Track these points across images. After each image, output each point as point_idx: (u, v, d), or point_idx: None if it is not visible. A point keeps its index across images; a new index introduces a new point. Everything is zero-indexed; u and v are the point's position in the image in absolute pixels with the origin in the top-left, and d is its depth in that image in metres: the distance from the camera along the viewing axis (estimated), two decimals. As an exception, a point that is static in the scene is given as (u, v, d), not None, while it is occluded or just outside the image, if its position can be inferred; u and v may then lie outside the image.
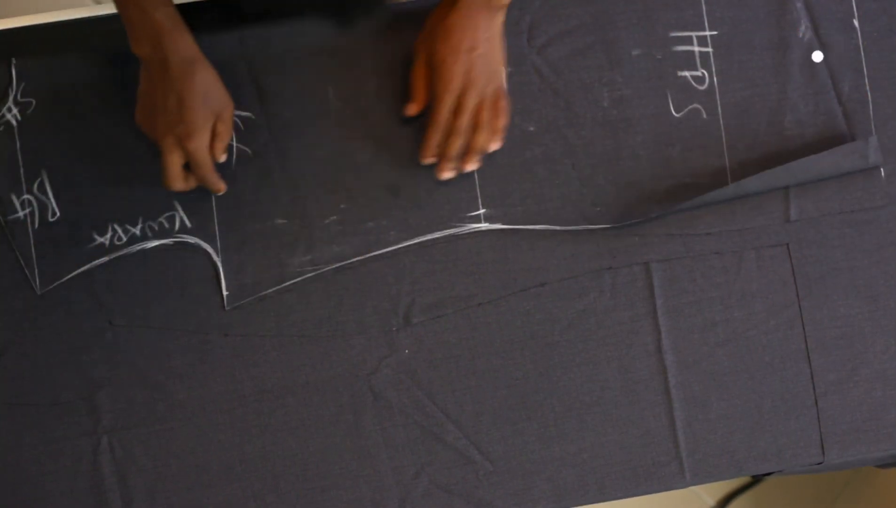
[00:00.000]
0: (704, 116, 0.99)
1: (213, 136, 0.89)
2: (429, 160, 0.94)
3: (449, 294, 0.96)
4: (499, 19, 0.91)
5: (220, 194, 0.93)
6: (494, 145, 0.94)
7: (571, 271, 0.97)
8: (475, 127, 0.92)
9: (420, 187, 0.97)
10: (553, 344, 0.96)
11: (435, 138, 0.93)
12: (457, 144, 0.92)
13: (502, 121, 0.93)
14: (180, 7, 0.98)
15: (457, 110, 0.91)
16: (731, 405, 0.96)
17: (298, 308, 0.96)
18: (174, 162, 0.88)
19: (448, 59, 0.89)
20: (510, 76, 0.98)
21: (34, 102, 0.96)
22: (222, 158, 0.91)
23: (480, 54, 0.90)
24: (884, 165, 0.98)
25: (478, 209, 0.97)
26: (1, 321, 0.94)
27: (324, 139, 0.97)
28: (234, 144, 0.96)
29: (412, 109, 0.93)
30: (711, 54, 0.99)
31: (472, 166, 0.94)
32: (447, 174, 0.94)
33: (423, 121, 0.95)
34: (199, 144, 0.87)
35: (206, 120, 0.87)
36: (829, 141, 0.98)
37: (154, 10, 0.84)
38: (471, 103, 0.91)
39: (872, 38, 1.00)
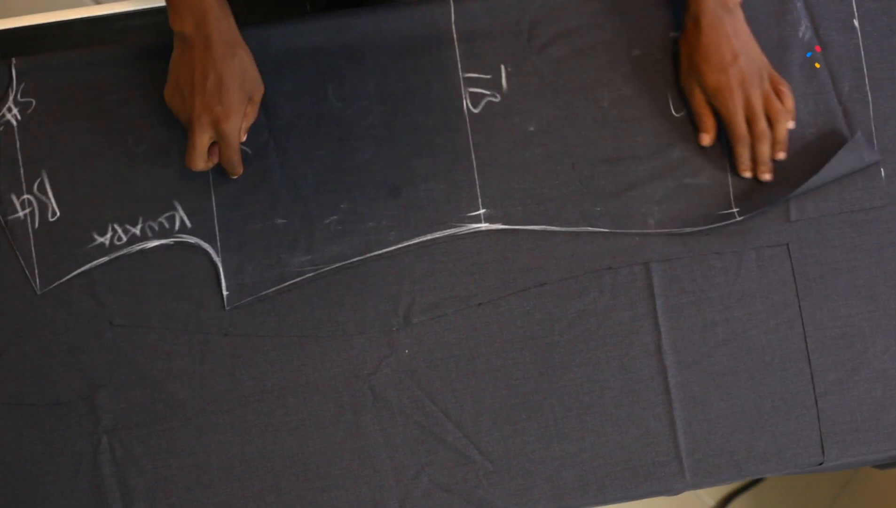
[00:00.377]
0: (704, 115, 0.99)
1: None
2: (748, 174, 0.97)
3: (449, 294, 0.96)
4: (739, 13, 0.94)
5: (236, 176, 0.93)
6: (791, 125, 0.96)
7: (571, 271, 0.97)
8: (772, 121, 0.94)
9: (420, 187, 0.97)
10: (553, 344, 0.96)
11: (745, 152, 0.96)
12: (766, 148, 0.95)
13: (789, 102, 0.95)
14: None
15: (750, 119, 0.94)
16: (731, 405, 0.96)
17: (298, 308, 0.96)
18: (204, 142, 0.88)
19: (720, 80, 0.92)
20: (510, 76, 0.98)
21: (34, 102, 0.96)
22: (243, 137, 0.91)
23: (743, 58, 0.93)
24: (883, 163, 0.98)
25: (478, 209, 0.97)
26: (1, 321, 0.94)
27: (324, 139, 0.97)
28: (234, 144, 0.96)
29: (707, 140, 0.97)
30: (711, 54, 0.99)
31: (784, 155, 0.96)
32: (769, 175, 0.96)
33: (425, 123, 0.95)
34: (234, 125, 0.88)
35: (242, 103, 0.88)
36: (829, 140, 0.98)
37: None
38: (759, 106, 0.94)
39: (872, 38, 1.00)
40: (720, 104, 0.94)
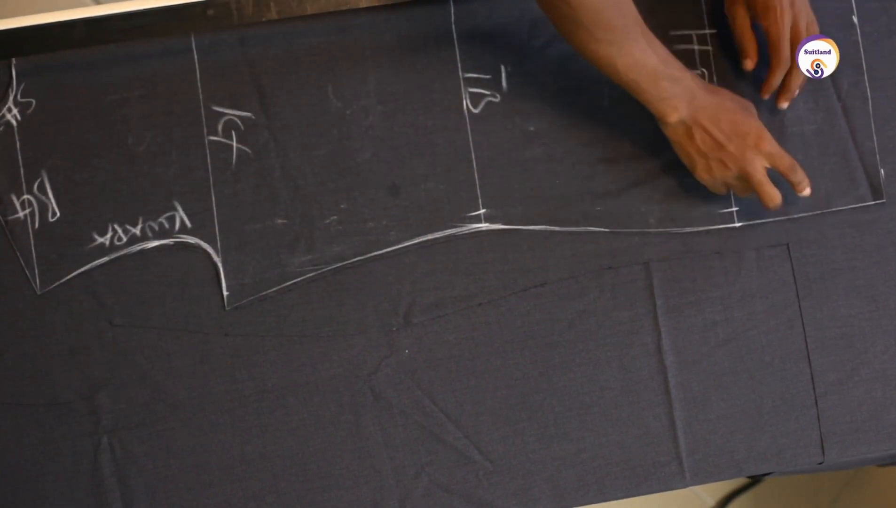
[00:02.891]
0: (704, 115, 0.99)
1: None
2: (767, 95, 0.96)
3: (449, 294, 0.96)
4: None
5: (806, 191, 0.93)
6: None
7: (571, 271, 0.97)
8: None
9: (420, 187, 0.97)
10: (553, 344, 0.96)
11: (780, 77, 0.95)
12: (800, 78, 0.95)
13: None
14: (182, 7, 0.98)
15: (794, 42, 0.93)
16: (731, 405, 0.96)
17: (298, 308, 0.96)
18: (763, 174, 0.90)
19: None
20: (510, 76, 0.98)
21: (34, 102, 0.96)
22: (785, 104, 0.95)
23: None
24: (883, 163, 0.98)
25: (478, 209, 0.97)
26: (1, 321, 0.94)
27: (324, 139, 0.97)
28: (235, 144, 0.96)
29: (750, 64, 0.96)
30: (711, 53, 0.99)
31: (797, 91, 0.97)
32: (787, 104, 0.96)
33: (430, 124, 0.95)
34: (768, 137, 0.90)
35: (755, 118, 0.91)
36: (829, 139, 0.98)
37: (682, 73, 0.88)
38: (805, 30, 0.93)
39: (872, 37, 1.00)
40: (769, 23, 0.93)
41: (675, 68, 0.88)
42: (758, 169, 0.90)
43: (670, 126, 0.90)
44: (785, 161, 0.91)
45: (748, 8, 0.94)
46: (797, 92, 0.96)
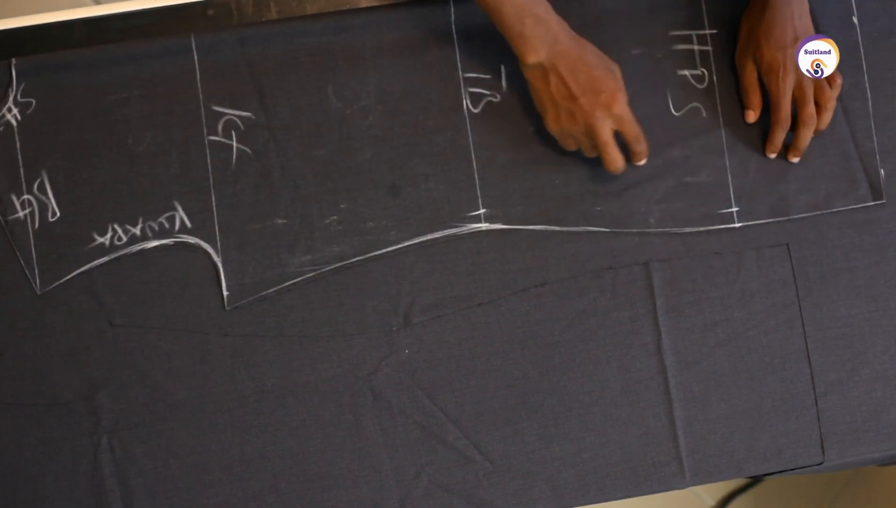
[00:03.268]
0: (704, 114, 0.99)
1: None
2: (773, 155, 0.97)
3: (449, 294, 0.96)
4: (805, 2, 0.94)
5: (643, 161, 0.93)
6: (831, 116, 0.97)
7: (571, 271, 0.97)
8: (821, 108, 0.95)
9: (420, 187, 0.97)
10: (553, 344, 0.96)
11: (782, 135, 0.96)
12: (809, 133, 0.95)
13: (837, 92, 0.96)
14: (182, 7, 0.98)
15: (799, 101, 0.95)
16: (731, 405, 0.96)
17: (298, 308, 0.96)
18: (609, 134, 0.89)
19: (777, 56, 0.93)
20: (510, 76, 0.98)
21: (34, 102, 0.96)
22: None
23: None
24: (883, 163, 0.99)
25: (478, 209, 0.97)
26: (1, 321, 0.94)
27: (324, 139, 0.97)
28: (235, 144, 0.96)
29: (752, 117, 0.97)
30: (711, 53, 0.99)
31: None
32: (797, 159, 0.97)
33: (430, 123, 0.95)
34: (623, 101, 0.89)
35: (616, 80, 0.90)
36: (829, 140, 0.98)
37: (548, 15, 0.88)
38: (810, 91, 0.94)
39: (872, 37, 1.00)
40: (771, 82, 0.94)
41: (543, 10, 0.88)
42: (604, 129, 0.89)
43: (529, 67, 0.89)
44: (633, 129, 0.90)
45: (755, 63, 0.95)
46: (806, 145, 0.96)
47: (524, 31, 0.87)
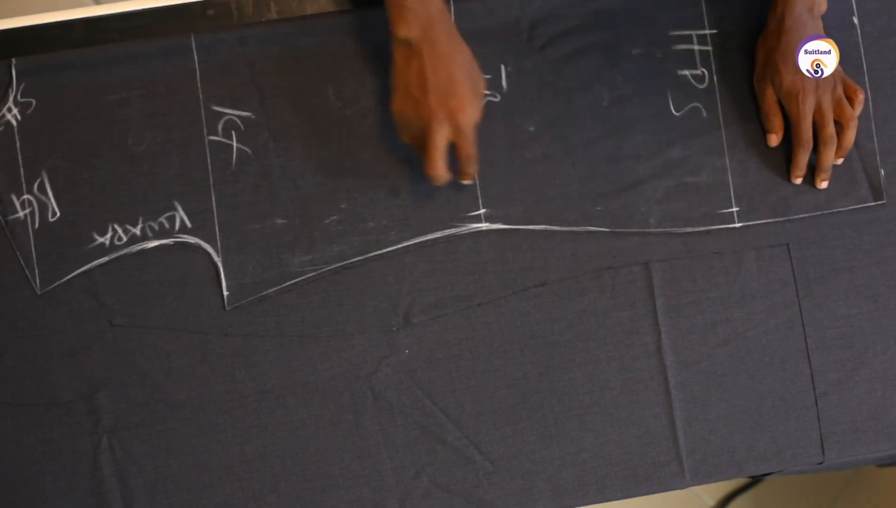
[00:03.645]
0: (704, 114, 0.99)
1: None
2: (800, 180, 0.97)
3: (449, 294, 0.96)
4: (820, 23, 0.95)
5: (469, 181, 0.93)
6: (853, 134, 0.96)
7: (571, 271, 0.97)
8: (843, 127, 0.95)
9: (420, 187, 0.97)
10: (553, 344, 0.96)
11: (805, 158, 0.96)
12: (831, 154, 0.95)
13: (860, 108, 0.96)
14: (182, 7, 0.98)
15: (819, 123, 0.95)
16: (731, 405, 0.96)
17: (298, 308, 0.96)
18: (443, 140, 0.87)
19: (795, 81, 0.93)
20: (510, 76, 0.98)
21: (34, 102, 0.96)
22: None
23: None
24: (883, 163, 0.99)
25: (478, 209, 0.97)
26: (1, 321, 0.94)
27: (324, 139, 0.97)
28: (235, 144, 0.96)
29: (774, 140, 0.97)
30: (711, 53, 0.99)
31: (842, 160, 0.97)
32: (826, 183, 0.97)
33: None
34: (471, 116, 0.88)
35: (475, 95, 0.88)
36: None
37: (438, 2, 0.87)
38: (829, 111, 0.94)
39: (872, 37, 1.00)
40: (791, 105, 0.94)
41: None
42: (439, 133, 0.87)
43: (397, 41, 0.87)
44: (468, 147, 0.88)
45: (774, 87, 0.95)
46: (840, 160, 0.96)
47: (405, 1, 0.86)
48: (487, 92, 0.97)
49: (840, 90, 0.95)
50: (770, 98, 0.96)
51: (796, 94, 0.93)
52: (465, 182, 0.92)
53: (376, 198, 0.97)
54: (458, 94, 0.87)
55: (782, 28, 0.93)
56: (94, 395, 0.94)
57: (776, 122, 0.96)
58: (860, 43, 0.99)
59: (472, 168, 0.91)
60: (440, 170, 0.88)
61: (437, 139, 0.87)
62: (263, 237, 0.96)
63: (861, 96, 0.96)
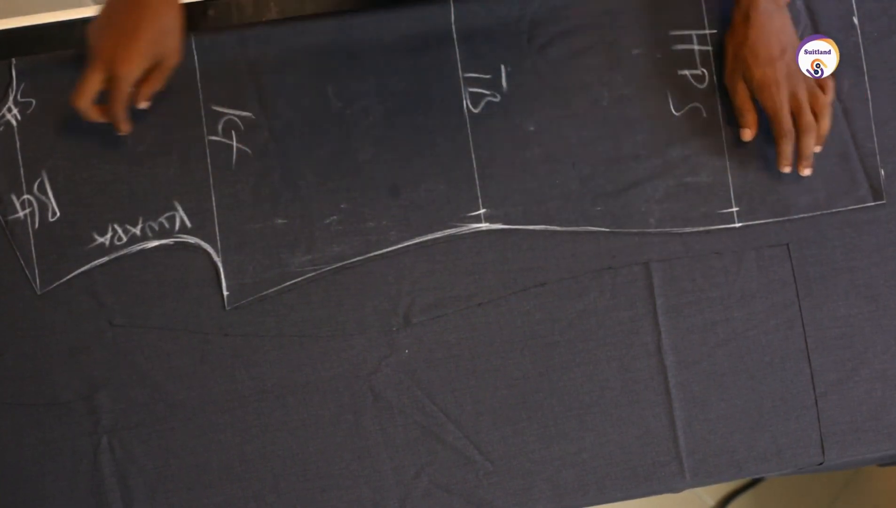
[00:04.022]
0: (704, 114, 0.99)
1: (146, 78, 0.89)
2: (788, 169, 0.96)
3: (449, 294, 0.96)
4: (786, 11, 0.95)
5: (122, 134, 0.92)
6: (829, 120, 0.96)
7: (571, 271, 0.97)
8: (817, 115, 0.94)
9: (420, 187, 0.97)
10: (553, 344, 0.96)
11: (790, 148, 0.95)
12: (812, 141, 0.94)
13: (832, 94, 0.95)
14: (183, 7, 0.98)
15: (795, 112, 0.94)
16: (731, 405, 0.96)
17: (298, 308, 0.96)
18: (95, 80, 0.87)
19: (767, 73, 0.93)
20: (510, 76, 0.98)
21: (34, 102, 0.96)
22: (143, 104, 0.91)
23: (790, 52, 0.93)
24: (883, 163, 0.99)
25: (478, 209, 0.97)
26: (1, 321, 0.94)
27: (324, 139, 0.97)
28: (235, 144, 0.96)
29: (748, 135, 0.96)
30: (711, 53, 0.99)
31: (821, 148, 0.96)
32: (810, 170, 0.96)
33: (424, 120, 0.95)
34: (129, 72, 0.87)
35: (146, 57, 0.87)
36: (829, 140, 0.98)
37: None
38: (805, 99, 0.94)
39: (872, 37, 1.00)
40: (766, 98, 0.94)
41: None
42: (96, 74, 0.87)
43: None
44: (116, 96, 0.88)
45: (746, 82, 0.95)
46: (819, 148, 0.96)
47: None
48: (487, 92, 0.97)
49: (812, 81, 0.95)
50: (742, 93, 0.96)
51: (769, 86, 0.93)
52: (118, 134, 0.91)
53: (376, 198, 0.97)
54: (131, 46, 0.86)
55: (749, 22, 0.93)
56: (94, 395, 0.94)
57: (750, 117, 0.96)
58: (860, 43, 0.99)
59: (119, 124, 0.90)
60: (76, 100, 0.88)
61: (90, 76, 0.87)
62: (263, 237, 0.96)
63: (831, 83, 0.95)
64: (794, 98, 0.94)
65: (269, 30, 0.97)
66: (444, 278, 0.96)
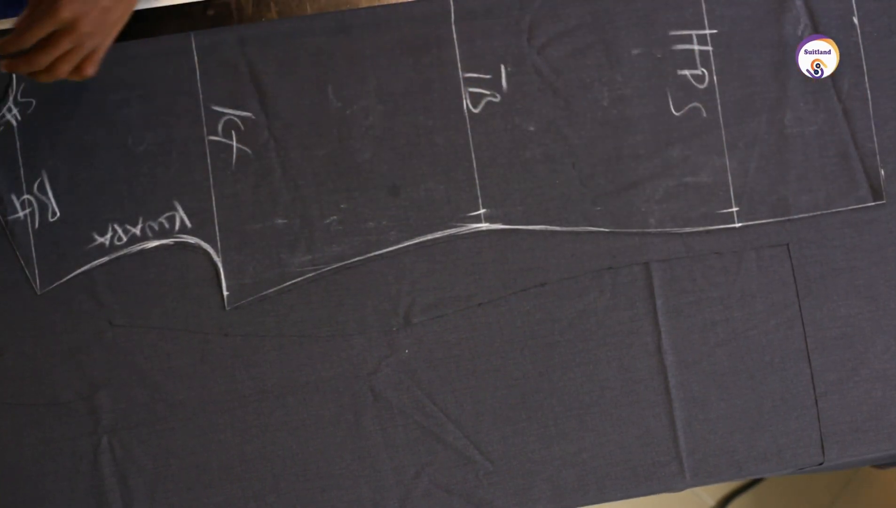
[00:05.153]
0: (704, 114, 0.99)
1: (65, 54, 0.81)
2: None
3: (449, 294, 0.96)
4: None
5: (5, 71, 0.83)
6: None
7: (571, 271, 0.97)
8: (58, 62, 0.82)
9: (420, 187, 0.97)
10: (553, 344, 0.96)
11: (14, 44, 0.81)
12: (39, 62, 0.81)
13: (89, 72, 0.84)
14: (182, 7, 0.98)
15: (51, 42, 0.80)
16: (731, 405, 0.96)
17: (298, 308, 0.96)
18: (43, 28, 0.78)
19: None
20: (510, 76, 0.98)
21: (34, 102, 0.96)
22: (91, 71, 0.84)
23: (108, 11, 0.82)
24: (883, 163, 0.99)
25: (478, 209, 0.97)
26: (1, 321, 0.94)
27: (324, 139, 0.97)
28: (235, 144, 0.96)
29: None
30: (711, 53, 0.99)
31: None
32: (6, 70, 0.83)
33: (432, 125, 0.95)
34: (70, 12, 0.78)
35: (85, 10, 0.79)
36: (829, 140, 0.98)
37: None
38: (65, 46, 0.81)
39: (872, 37, 1.00)
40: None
41: None
42: (44, 21, 0.77)
43: None
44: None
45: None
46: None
47: None
48: (487, 92, 0.97)
49: (89, 47, 0.83)
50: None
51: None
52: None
53: (376, 198, 0.97)
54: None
55: None
56: (94, 395, 0.94)
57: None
58: (860, 43, 0.99)
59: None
60: (27, 41, 0.79)
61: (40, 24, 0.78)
62: (263, 237, 0.96)
63: (90, 71, 0.84)
64: (60, 34, 0.80)
65: (269, 30, 0.97)
66: (444, 278, 0.96)
